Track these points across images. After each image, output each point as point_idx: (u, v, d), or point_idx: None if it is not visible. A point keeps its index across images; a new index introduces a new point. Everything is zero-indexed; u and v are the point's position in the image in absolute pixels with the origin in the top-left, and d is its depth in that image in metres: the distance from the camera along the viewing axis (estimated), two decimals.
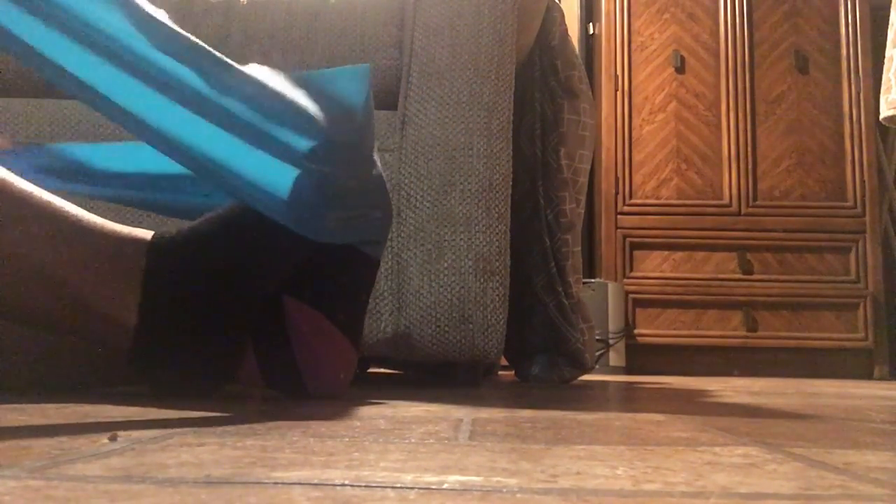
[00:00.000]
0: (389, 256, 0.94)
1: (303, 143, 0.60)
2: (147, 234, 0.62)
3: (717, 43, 2.62)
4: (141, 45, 0.56)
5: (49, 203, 0.58)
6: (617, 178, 2.57)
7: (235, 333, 0.62)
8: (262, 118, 0.59)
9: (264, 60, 0.98)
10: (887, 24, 2.31)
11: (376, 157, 0.68)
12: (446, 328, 0.92)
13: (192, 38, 0.58)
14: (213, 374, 0.63)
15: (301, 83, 0.61)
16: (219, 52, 0.58)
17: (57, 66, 0.56)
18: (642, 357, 2.46)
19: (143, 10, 0.56)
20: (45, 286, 0.57)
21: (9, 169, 0.57)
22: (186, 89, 0.58)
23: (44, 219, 0.57)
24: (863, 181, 2.52)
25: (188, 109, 0.58)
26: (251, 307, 0.62)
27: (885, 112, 2.26)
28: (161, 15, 0.57)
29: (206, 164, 0.61)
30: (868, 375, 2.44)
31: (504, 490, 0.26)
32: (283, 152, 0.60)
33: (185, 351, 0.61)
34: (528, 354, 1.28)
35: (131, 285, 0.59)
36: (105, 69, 0.57)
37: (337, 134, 0.61)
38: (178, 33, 0.57)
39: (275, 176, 0.61)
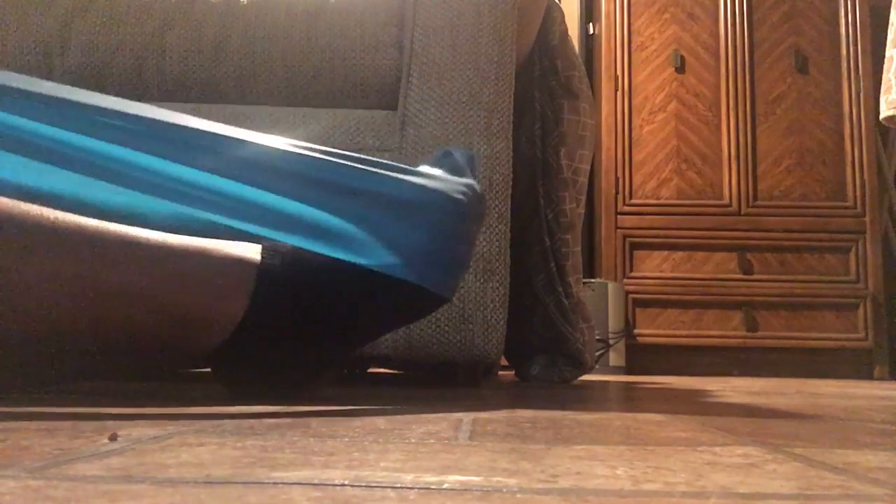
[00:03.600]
0: None
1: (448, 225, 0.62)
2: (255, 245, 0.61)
3: (717, 43, 2.62)
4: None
5: (126, 232, 0.56)
6: (617, 178, 2.57)
7: (328, 355, 0.62)
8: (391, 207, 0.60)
9: (265, 60, 0.98)
10: (887, 24, 2.31)
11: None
12: (446, 328, 0.92)
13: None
14: (294, 384, 0.63)
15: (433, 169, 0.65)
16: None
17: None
18: (642, 357, 2.46)
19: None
20: (148, 308, 0.55)
21: None
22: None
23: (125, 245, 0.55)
24: (863, 181, 2.52)
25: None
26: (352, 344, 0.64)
27: (885, 112, 2.26)
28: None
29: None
30: (868, 375, 2.44)
31: (504, 490, 0.26)
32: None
33: (274, 360, 0.61)
34: (528, 354, 1.28)
35: (240, 291, 0.58)
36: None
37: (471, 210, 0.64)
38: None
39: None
